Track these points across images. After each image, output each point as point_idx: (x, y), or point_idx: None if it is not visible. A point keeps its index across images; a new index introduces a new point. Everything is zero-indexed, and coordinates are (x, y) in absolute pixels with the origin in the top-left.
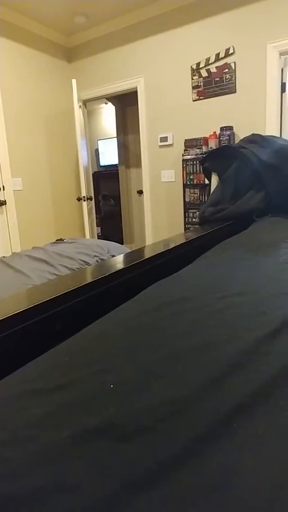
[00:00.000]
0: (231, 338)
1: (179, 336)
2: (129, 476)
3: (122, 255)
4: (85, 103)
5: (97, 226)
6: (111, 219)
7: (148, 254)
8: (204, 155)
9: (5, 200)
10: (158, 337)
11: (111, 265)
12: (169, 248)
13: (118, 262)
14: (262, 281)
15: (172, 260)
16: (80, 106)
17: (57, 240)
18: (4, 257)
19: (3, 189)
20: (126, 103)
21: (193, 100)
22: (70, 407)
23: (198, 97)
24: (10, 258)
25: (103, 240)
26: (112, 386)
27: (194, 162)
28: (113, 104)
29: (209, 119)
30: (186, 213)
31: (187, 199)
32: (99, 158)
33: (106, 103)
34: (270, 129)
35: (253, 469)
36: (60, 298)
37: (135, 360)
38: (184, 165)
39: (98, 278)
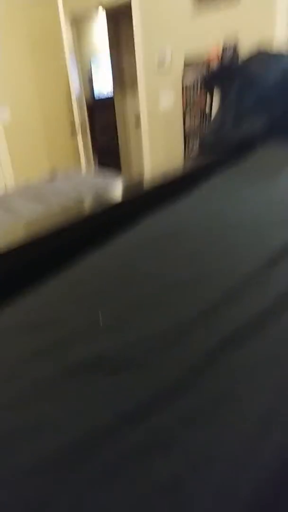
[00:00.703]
0: (226, 269)
1: (173, 269)
2: (121, 408)
3: (118, 186)
4: (74, 17)
5: (94, 159)
6: (108, 152)
7: (145, 186)
8: (205, 77)
9: None
10: (152, 270)
11: (107, 197)
12: (168, 180)
13: (115, 194)
14: (262, 210)
15: (170, 191)
16: (69, 23)
17: (49, 173)
18: None
19: None
20: (119, 18)
21: (193, 12)
22: (61, 342)
23: (198, 8)
24: (2, 200)
25: (99, 175)
26: (103, 320)
27: (195, 87)
28: (107, 18)
29: (211, 34)
30: (186, 143)
31: (186, 128)
32: (93, 86)
33: (96, 17)
34: (278, 44)
35: (244, 397)
36: (52, 234)
37: (127, 294)
38: (184, 89)
39: (94, 212)
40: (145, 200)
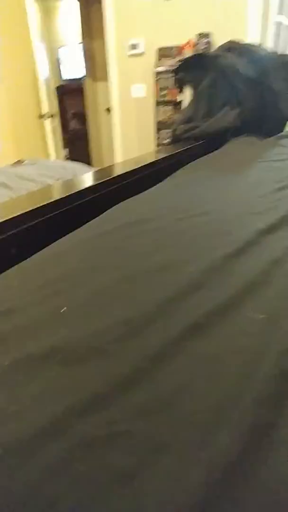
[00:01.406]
0: (192, 258)
1: (138, 257)
2: (76, 399)
3: (87, 174)
4: None
5: (64, 148)
6: (78, 139)
7: (114, 173)
8: (178, 66)
9: None
10: (116, 259)
11: (74, 184)
12: (137, 167)
13: (82, 181)
14: (229, 201)
15: (140, 180)
16: (35, 2)
17: (16, 162)
18: None
19: None
20: (91, 4)
21: (167, 5)
22: (18, 332)
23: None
24: None
25: (68, 162)
26: (64, 309)
27: (168, 76)
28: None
29: (184, 24)
30: (158, 133)
31: (159, 118)
32: (60, 70)
33: None
34: (251, 37)
35: (203, 387)
36: (15, 219)
37: (90, 282)
38: (157, 78)
39: (59, 198)
40: (113, 188)
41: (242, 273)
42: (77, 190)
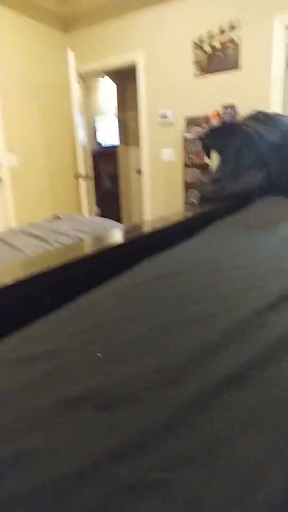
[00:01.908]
0: (225, 310)
1: (170, 308)
2: (111, 444)
3: (117, 230)
4: (82, 77)
5: (97, 206)
6: (110, 199)
7: (144, 230)
8: (206, 133)
9: (0, 177)
10: (149, 309)
11: (106, 239)
12: (166, 225)
13: (113, 237)
14: (260, 257)
15: (168, 237)
16: (78, 82)
17: (51, 217)
18: None
19: None
20: (125, 79)
21: (195, 76)
22: (54, 375)
23: (200, 72)
24: (4, 234)
25: (100, 218)
26: (98, 355)
27: (195, 141)
28: (113, 80)
29: (211, 96)
30: (186, 193)
31: (187, 179)
32: (97, 136)
33: (102, 77)
34: (275, 107)
35: (243, 440)
36: (51, 271)
37: (124, 330)
38: (185, 144)
39: (92, 252)
40: (144, 243)
41: (276, 326)
42: (108, 245)
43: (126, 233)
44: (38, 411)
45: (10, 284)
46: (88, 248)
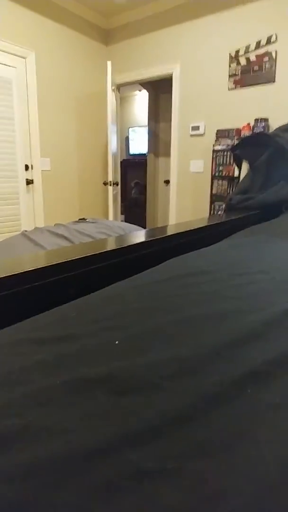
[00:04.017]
0: (251, 309)
1: (195, 304)
2: (127, 428)
3: (143, 231)
4: (118, 87)
5: (121, 214)
6: (136, 207)
7: (169, 232)
8: (237, 144)
9: (32, 179)
10: (173, 303)
11: (130, 238)
12: (192, 228)
13: (138, 236)
14: (287, 262)
15: (193, 241)
16: (113, 90)
17: (79, 219)
18: (26, 231)
19: (32, 168)
20: (160, 90)
21: (229, 89)
22: (70, 357)
23: (234, 86)
24: (31, 232)
25: (124, 223)
26: (118, 342)
27: (225, 153)
28: (147, 90)
29: (244, 109)
30: (212, 205)
31: (214, 191)
32: (129, 146)
33: (140, 90)
34: None
35: (264, 438)
36: (76, 262)
37: (146, 320)
38: (215, 155)
39: (116, 248)
40: (166, 246)
41: None
42: (132, 243)
43: (150, 234)
44: (46, 390)
45: (33, 269)
46: (110, 245)
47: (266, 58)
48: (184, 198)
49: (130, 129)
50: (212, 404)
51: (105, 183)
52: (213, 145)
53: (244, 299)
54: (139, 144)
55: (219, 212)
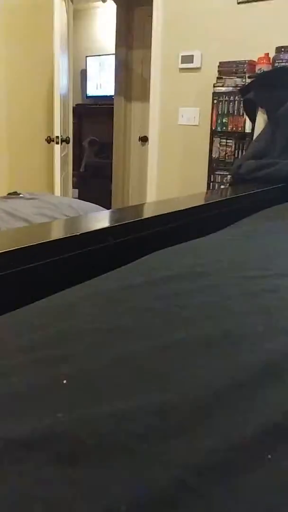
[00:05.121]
0: (268, 331)
1: (182, 323)
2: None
3: (109, 211)
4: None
5: (73, 187)
6: (95, 177)
7: (146, 214)
8: (249, 85)
9: None
10: (149, 322)
11: (86, 223)
12: (180, 209)
13: (98, 220)
14: None
15: (182, 229)
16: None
17: (9, 193)
18: None
19: None
20: (134, 0)
21: (238, 2)
22: None
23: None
24: None
25: (77, 200)
26: (65, 381)
27: (232, 98)
28: (115, 2)
29: (260, 33)
30: (212, 175)
31: (215, 154)
32: (86, 84)
33: (104, 1)
34: None
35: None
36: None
37: (108, 347)
38: (216, 101)
39: (63, 237)
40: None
41: None
42: (91, 230)
43: (119, 217)
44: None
45: None
46: (58, 232)
47: None
48: (170, 165)
49: (89, 58)
50: (211, 479)
51: (50, 140)
52: (214, 86)
53: (257, 315)
54: (101, 81)
55: (222, 186)
